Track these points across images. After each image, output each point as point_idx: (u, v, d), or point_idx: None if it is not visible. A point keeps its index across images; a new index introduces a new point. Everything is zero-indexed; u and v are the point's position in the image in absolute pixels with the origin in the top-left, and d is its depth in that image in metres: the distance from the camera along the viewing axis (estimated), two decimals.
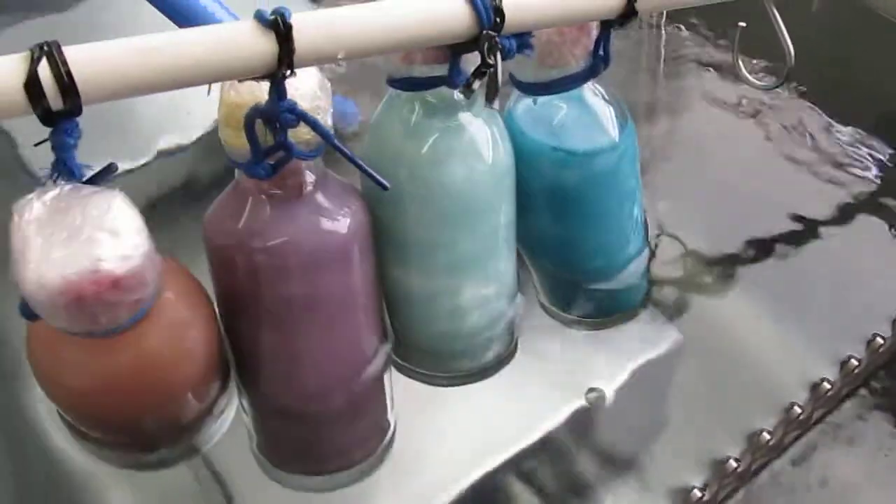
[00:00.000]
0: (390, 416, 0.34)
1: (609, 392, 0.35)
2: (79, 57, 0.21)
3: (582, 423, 0.34)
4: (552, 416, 0.34)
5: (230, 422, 0.31)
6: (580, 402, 0.35)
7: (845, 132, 0.47)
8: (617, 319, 0.39)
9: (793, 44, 0.37)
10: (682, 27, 0.53)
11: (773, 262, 0.40)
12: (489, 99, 0.28)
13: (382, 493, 0.33)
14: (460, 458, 0.35)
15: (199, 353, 0.27)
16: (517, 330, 0.37)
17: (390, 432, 0.34)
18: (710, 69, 0.51)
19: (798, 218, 0.42)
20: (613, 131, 0.35)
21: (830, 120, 0.48)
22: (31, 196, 0.23)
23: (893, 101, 0.50)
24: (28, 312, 0.24)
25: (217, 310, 0.29)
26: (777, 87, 0.40)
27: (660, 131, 0.47)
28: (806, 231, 0.42)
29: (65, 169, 0.22)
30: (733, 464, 0.33)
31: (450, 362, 0.35)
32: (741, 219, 0.42)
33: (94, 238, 0.22)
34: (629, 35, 0.53)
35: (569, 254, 0.37)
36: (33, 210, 0.22)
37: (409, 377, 0.36)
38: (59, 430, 0.34)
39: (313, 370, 0.30)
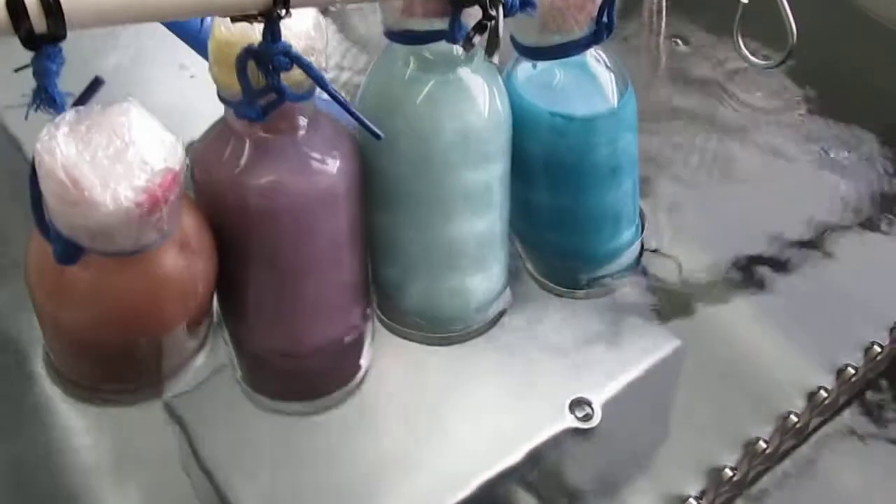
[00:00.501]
0: (364, 360, 0.35)
1: (603, 401, 0.35)
2: None
3: (577, 430, 0.34)
4: (544, 425, 0.34)
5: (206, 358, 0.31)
6: (576, 409, 0.35)
7: (844, 140, 0.47)
8: (607, 290, 0.39)
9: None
10: (680, 41, 0.53)
11: (769, 271, 0.40)
12: (489, 53, 0.27)
13: (353, 422, 0.34)
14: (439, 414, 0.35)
15: (202, 276, 0.27)
16: (506, 302, 0.37)
17: (363, 371, 0.35)
18: (709, 81, 0.51)
19: (795, 226, 0.42)
20: (613, 98, 0.34)
21: (829, 128, 0.48)
22: (45, 133, 0.23)
23: (890, 109, 0.50)
24: (70, 254, 0.24)
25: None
26: (779, 65, 0.40)
27: (657, 140, 0.47)
28: (802, 239, 0.42)
29: (46, 96, 0.22)
30: (729, 472, 0.33)
31: (435, 321, 0.35)
32: (739, 228, 0.43)
33: (138, 144, 0.22)
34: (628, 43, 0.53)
35: (564, 226, 0.37)
36: (59, 142, 0.22)
37: (393, 333, 0.36)
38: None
39: (298, 310, 0.30)
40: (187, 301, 0.27)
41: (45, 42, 0.21)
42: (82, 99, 0.22)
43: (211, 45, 0.27)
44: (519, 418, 0.35)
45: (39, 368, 0.35)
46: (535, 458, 0.33)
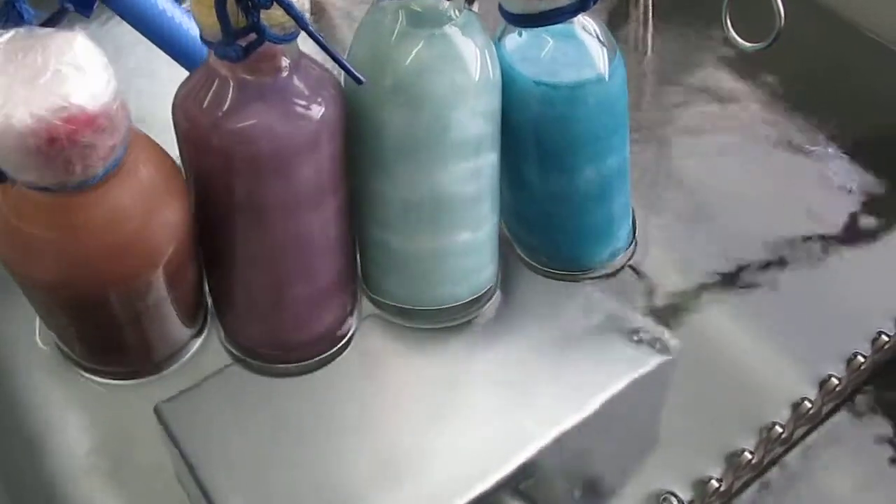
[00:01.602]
0: (347, 326, 0.34)
1: (589, 411, 0.35)
2: None
3: (565, 437, 0.34)
4: (528, 436, 0.34)
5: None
6: (563, 418, 0.34)
7: (830, 149, 0.47)
8: (594, 275, 0.39)
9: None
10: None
11: (752, 282, 0.40)
12: (469, 0, 0.27)
13: (337, 383, 0.34)
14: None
15: (171, 222, 0.26)
16: (498, 276, 0.36)
17: (346, 338, 0.35)
18: (695, 88, 0.51)
19: (777, 237, 0.42)
20: (602, 65, 0.34)
21: (813, 136, 0.48)
22: None
23: (879, 120, 0.51)
24: None
25: (190, 194, 0.28)
26: (767, 46, 0.40)
27: (646, 148, 0.47)
28: (785, 250, 0.42)
29: (13, 12, 0.21)
30: (715, 483, 0.33)
31: (423, 289, 0.34)
32: (724, 239, 0.43)
33: (61, 74, 0.21)
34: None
35: (556, 202, 0.36)
36: None
37: (380, 308, 0.35)
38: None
39: (282, 259, 0.29)
40: (155, 235, 0.26)
41: None
42: (47, 22, 0.22)
43: None
44: (504, 428, 0.34)
45: (27, 365, 0.34)
46: (519, 468, 0.33)
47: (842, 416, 0.37)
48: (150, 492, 0.33)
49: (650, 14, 0.54)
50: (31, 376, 0.35)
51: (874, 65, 0.54)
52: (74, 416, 0.34)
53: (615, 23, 0.54)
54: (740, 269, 0.41)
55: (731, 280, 0.40)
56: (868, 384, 0.38)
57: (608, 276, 0.39)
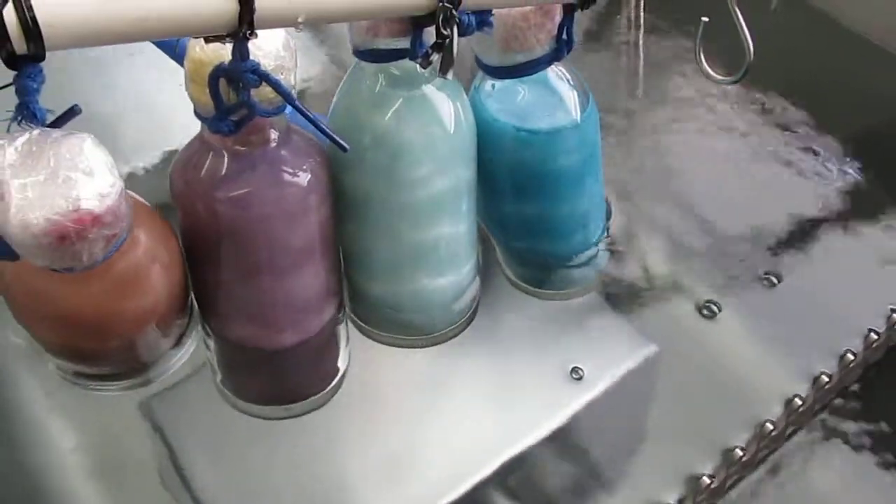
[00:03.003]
0: (341, 362, 0.36)
1: (579, 407, 0.35)
2: (45, 2, 0.22)
3: (552, 436, 0.35)
4: (521, 431, 0.35)
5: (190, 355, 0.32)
6: (551, 416, 0.35)
7: (821, 146, 0.48)
8: (579, 292, 0.40)
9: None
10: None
11: (745, 279, 0.41)
12: (443, 71, 0.29)
13: (331, 423, 0.34)
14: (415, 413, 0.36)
15: (164, 286, 0.28)
16: (476, 303, 0.38)
17: (340, 374, 0.36)
18: (685, 85, 0.52)
19: (769, 234, 0.43)
20: (575, 112, 0.36)
21: (807, 134, 0.48)
22: (1, 142, 0.24)
23: (865, 115, 0.51)
24: (8, 253, 0.25)
25: (183, 252, 0.30)
26: (737, 81, 0.41)
27: (638, 142, 0.48)
28: (776, 246, 0.43)
29: (28, 112, 0.23)
30: (707, 480, 0.33)
31: (406, 325, 0.36)
32: (715, 235, 0.43)
33: (71, 179, 0.23)
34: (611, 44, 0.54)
35: (531, 231, 0.38)
36: (6, 155, 0.23)
37: (367, 336, 0.37)
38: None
39: (271, 313, 0.31)
40: (150, 308, 0.28)
41: (26, 62, 0.22)
42: (57, 122, 0.24)
43: (186, 64, 0.28)
44: (495, 424, 0.36)
45: (18, 370, 0.36)
46: (511, 465, 0.34)
47: (830, 415, 0.37)
48: (133, 489, 0.33)
49: (641, 10, 0.55)
50: (10, 373, 0.36)
51: (865, 63, 0.53)
52: (57, 414, 0.35)
53: (607, 19, 0.55)
54: (731, 267, 0.41)
55: (722, 278, 0.41)
56: (856, 383, 0.38)
57: (587, 290, 0.40)
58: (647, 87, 0.52)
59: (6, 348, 0.36)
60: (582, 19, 0.52)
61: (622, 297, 0.40)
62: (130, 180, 0.45)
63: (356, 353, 0.36)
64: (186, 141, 0.30)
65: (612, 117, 0.49)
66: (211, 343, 0.34)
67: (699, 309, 0.40)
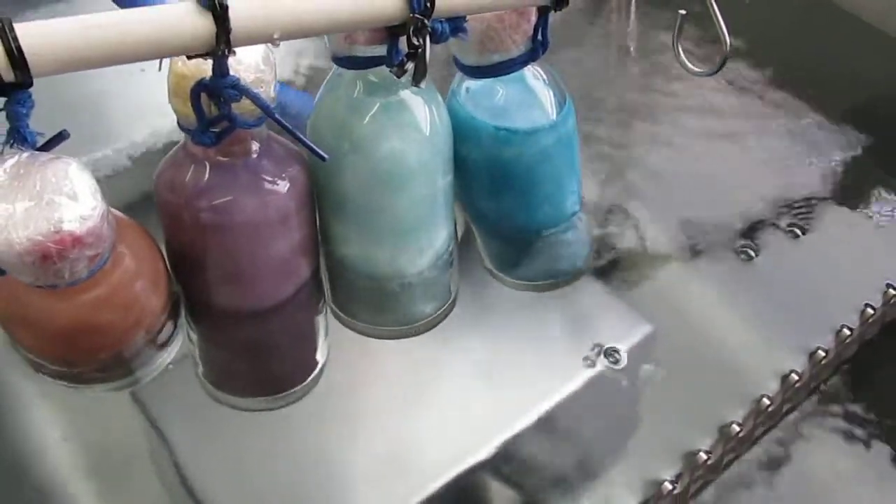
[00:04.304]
0: (320, 355, 0.37)
1: (575, 388, 0.36)
2: (29, 33, 0.23)
3: (549, 417, 0.35)
4: (519, 413, 0.35)
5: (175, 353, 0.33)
6: (547, 397, 0.35)
7: (815, 124, 0.47)
8: (560, 283, 0.41)
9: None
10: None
11: (741, 255, 0.41)
12: (416, 80, 0.30)
13: (308, 416, 0.35)
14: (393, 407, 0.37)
15: (149, 299, 0.30)
16: (454, 292, 0.39)
17: (320, 366, 0.36)
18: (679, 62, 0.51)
19: (765, 209, 0.43)
20: (552, 111, 0.37)
21: (801, 111, 0.48)
22: None
23: (858, 94, 0.51)
24: None
25: (167, 260, 0.32)
26: (712, 74, 0.42)
27: (630, 126, 0.48)
28: (772, 223, 0.43)
29: (18, 136, 0.24)
30: (704, 456, 0.34)
31: (386, 317, 0.37)
32: (711, 212, 0.43)
33: (55, 202, 0.25)
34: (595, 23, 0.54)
35: (509, 223, 0.39)
36: None
37: (347, 327, 0.38)
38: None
39: (253, 314, 0.32)
40: (135, 321, 0.30)
41: (14, 89, 0.24)
42: (45, 146, 0.25)
43: (169, 79, 0.29)
44: (485, 410, 0.36)
45: (6, 366, 0.36)
46: (506, 448, 0.34)
47: (827, 391, 0.37)
48: (126, 482, 0.34)
49: (632, 7, 0.55)
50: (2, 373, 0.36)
51: (855, 42, 0.53)
52: (49, 413, 0.35)
53: (595, 7, 0.54)
54: (728, 242, 0.42)
55: (717, 254, 0.41)
56: (850, 360, 0.38)
57: (576, 275, 0.40)
58: (638, 68, 0.51)
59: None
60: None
61: (613, 279, 0.40)
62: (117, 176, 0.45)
63: (336, 345, 0.37)
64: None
65: (604, 101, 0.48)
66: (194, 339, 0.35)
67: (693, 288, 0.40)
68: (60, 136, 0.25)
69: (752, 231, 0.42)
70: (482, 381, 0.38)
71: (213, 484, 0.34)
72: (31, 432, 0.35)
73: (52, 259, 0.25)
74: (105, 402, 0.36)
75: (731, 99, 0.49)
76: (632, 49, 0.52)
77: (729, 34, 0.40)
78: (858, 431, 0.37)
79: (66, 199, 0.24)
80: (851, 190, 0.45)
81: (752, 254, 0.41)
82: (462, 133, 0.36)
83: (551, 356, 0.38)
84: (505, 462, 0.34)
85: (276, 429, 0.36)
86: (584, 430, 0.36)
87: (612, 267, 0.41)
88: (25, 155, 0.24)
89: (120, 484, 0.34)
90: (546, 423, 0.35)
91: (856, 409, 0.37)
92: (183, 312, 0.34)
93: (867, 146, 0.47)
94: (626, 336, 0.38)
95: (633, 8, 0.54)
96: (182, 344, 0.34)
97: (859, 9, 0.55)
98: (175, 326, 0.32)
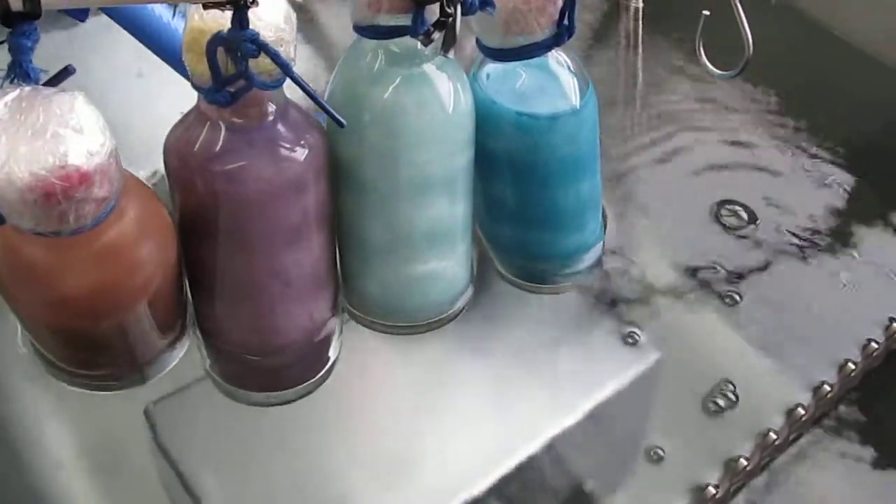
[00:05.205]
0: (332, 351, 0.35)
1: (579, 417, 0.35)
2: None
3: (554, 443, 0.35)
4: (520, 441, 0.35)
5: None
6: (551, 423, 0.35)
7: (817, 156, 0.48)
8: (571, 287, 0.40)
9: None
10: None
11: (747, 289, 0.41)
12: (445, 49, 0.29)
13: (318, 412, 0.34)
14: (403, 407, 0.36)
15: (156, 264, 0.28)
16: (472, 282, 0.38)
17: (330, 363, 0.35)
18: (680, 93, 0.52)
19: (769, 244, 0.43)
20: (575, 98, 0.36)
21: (802, 144, 0.49)
22: None
23: (859, 125, 0.51)
24: None
25: (176, 236, 0.30)
26: (736, 75, 0.41)
27: (637, 148, 0.48)
28: (776, 257, 0.43)
29: (21, 71, 0.23)
30: (712, 490, 0.34)
31: (397, 309, 0.36)
32: (712, 243, 0.43)
33: (60, 135, 0.23)
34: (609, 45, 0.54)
35: (528, 221, 0.38)
36: None
37: (359, 323, 0.37)
38: None
39: (265, 295, 0.31)
40: (140, 285, 0.28)
41: (20, 20, 0.22)
42: (51, 81, 0.24)
43: (185, 34, 0.28)
44: (490, 420, 0.36)
45: (6, 369, 0.35)
46: (509, 474, 0.34)
47: (831, 423, 0.37)
48: (134, 497, 0.33)
49: (640, 23, 0.55)
50: (12, 379, 0.35)
51: (859, 73, 0.54)
52: (57, 419, 0.34)
53: (606, 29, 0.55)
54: (732, 275, 0.41)
55: (721, 288, 0.41)
56: (855, 391, 0.38)
57: (583, 282, 0.40)
58: (642, 95, 0.52)
59: (8, 357, 0.35)
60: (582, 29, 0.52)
61: (620, 305, 0.40)
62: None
63: (348, 343, 0.36)
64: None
65: (610, 121, 0.48)
66: (200, 330, 0.33)
67: (700, 317, 0.40)
68: (66, 72, 0.23)
69: (755, 266, 0.42)
70: (486, 387, 0.37)
71: (212, 482, 0.33)
72: (30, 431, 0.34)
73: (56, 198, 0.23)
74: (120, 416, 0.35)
75: (731, 128, 0.49)
76: (639, 79, 0.53)
77: (752, 38, 0.40)
78: (860, 461, 0.37)
79: (73, 133, 0.22)
80: (853, 223, 0.45)
81: (757, 290, 0.41)
82: (482, 119, 0.35)
83: (548, 379, 0.37)
84: (503, 486, 0.34)
85: (282, 428, 0.34)
86: (583, 460, 0.35)
87: (614, 295, 0.41)
88: (28, 89, 0.23)
89: (117, 482, 0.33)
90: (545, 452, 0.35)
91: (860, 440, 0.37)
92: (189, 302, 0.32)
93: (868, 178, 0.47)
94: (633, 364, 0.38)
95: (640, 38, 0.54)
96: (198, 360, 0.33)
97: (858, 37, 0.56)
98: (184, 323, 0.31)
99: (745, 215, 0.45)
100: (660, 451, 0.35)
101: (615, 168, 0.47)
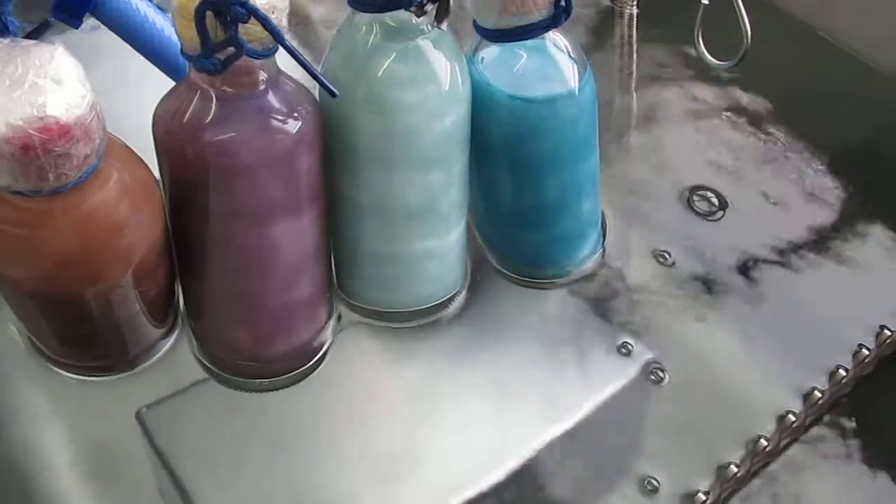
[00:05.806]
0: (325, 337, 0.35)
1: (570, 426, 0.35)
2: None
3: (547, 453, 0.34)
4: (519, 440, 0.34)
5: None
6: (545, 432, 0.35)
7: (808, 162, 0.48)
8: (565, 281, 0.39)
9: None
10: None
11: (737, 295, 0.41)
12: (439, 19, 0.28)
13: (312, 415, 0.34)
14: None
15: (143, 228, 0.27)
16: (467, 277, 0.37)
17: (322, 351, 0.35)
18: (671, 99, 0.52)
19: (760, 249, 0.43)
20: (573, 81, 0.35)
21: (793, 150, 0.49)
22: None
23: (853, 132, 0.51)
24: None
25: (164, 207, 0.29)
26: (734, 65, 0.41)
27: (625, 156, 0.48)
28: (767, 261, 0.43)
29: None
30: (702, 497, 0.33)
31: (392, 295, 0.35)
32: (703, 253, 0.43)
33: (38, 85, 0.22)
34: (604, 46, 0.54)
35: (525, 211, 0.37)
36: None
37: (352, 310, 0.36)
38: None
39: (257, 269, 0.30)
40: (125, 250, 0.27)
41: None
42: (32, 34, 0.23)
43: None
44: (488, 436, 0.35)
45: (16, 374, 0.34)
46: (510, 477, 0.33)
47: (822, 430, 0.37)
48: (128, 502, 0.32)
49: (634, 28, 0.55)
50: (8, 382, 0.34)
51: (850, 78, 0.54)
52: (52, 422, 0.34)
53: (601, 33, 0.55)
54: (721, 282, 0.41)
55: (712, 293, 0.41)
56: (846, 398, 0.38)
57: (578, 281, 0.40)
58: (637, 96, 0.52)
59: (3, 351, 0.35)
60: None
61: (612, 307, 0.40)
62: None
63: (344, 343, 0.36)
64: None
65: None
66: (190, 311, 0.32)
67: (689, 324, 0.39)
68: (46, 24, 0.23)
69: (745, 271, 0.42)
70: (482, 379, 0.36)
71: (208, 485, 0.32)
72: (24, 434, 0.33)
73: (34, 151, 0.22)
74: (98, 402, 0.34)
75: (724, 133, 0.50)
76: (633, 87, 0.53)
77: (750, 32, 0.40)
78: (851, 467, 0.36)
79: (52, 84, 0.21)
80: (843, 229, 0.45)
81: (746, 294, 0.41)
82: (477, 102, 0.34)
83: (546, 382, 0.37)
84: (503, 488, 0.33)
85: (278, 431, 0.34)
86: (577, 467, 0.35)
87: (607, 298, 0.41)
88: (6, 41, 0.22)
89: (112, 486, 0.32)
90: (539, 457, 0.34)
91: (851, 446, 0.37)
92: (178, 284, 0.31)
93: (859, 185, 0.47)
94: (622, 373, 0.37)
95: (634, 47, 0.54)
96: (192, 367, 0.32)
97: (851, 43, 0.56)
98: (175, 316, 0.30)
99: (733, 222, 0.45)
100: (651, 459, 0.35)
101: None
